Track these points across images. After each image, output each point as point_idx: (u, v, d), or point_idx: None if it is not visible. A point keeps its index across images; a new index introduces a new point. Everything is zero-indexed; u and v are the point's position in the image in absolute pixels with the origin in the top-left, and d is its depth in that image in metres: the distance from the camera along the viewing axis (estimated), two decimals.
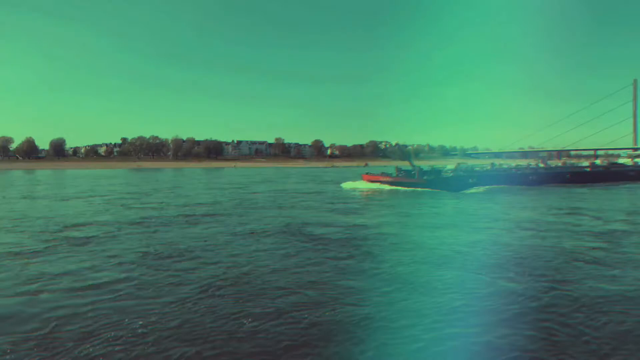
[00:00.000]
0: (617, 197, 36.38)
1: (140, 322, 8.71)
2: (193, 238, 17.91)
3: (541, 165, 63.28)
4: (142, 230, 19.97)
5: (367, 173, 54.58)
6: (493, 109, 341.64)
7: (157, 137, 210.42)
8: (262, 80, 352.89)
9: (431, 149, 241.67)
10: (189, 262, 13.71)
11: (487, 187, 46.74)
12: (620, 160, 74.80)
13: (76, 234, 19.15)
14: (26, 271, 12.78)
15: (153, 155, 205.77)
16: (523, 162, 75.00)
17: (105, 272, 12.56)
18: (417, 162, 63.62)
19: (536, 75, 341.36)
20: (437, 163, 77.82)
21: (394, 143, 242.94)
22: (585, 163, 70.56)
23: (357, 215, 24.76)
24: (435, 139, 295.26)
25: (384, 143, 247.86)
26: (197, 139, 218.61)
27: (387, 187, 47.33)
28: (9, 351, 7.47)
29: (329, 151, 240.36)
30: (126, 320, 8.82)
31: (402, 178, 47.85)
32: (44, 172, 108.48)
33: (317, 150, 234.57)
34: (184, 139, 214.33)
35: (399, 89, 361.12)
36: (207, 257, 14.35)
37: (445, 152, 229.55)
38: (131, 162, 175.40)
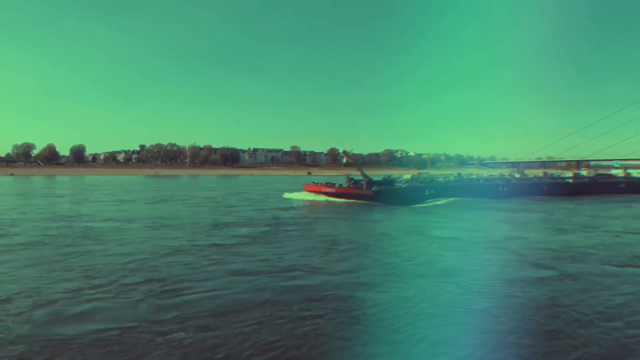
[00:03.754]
0: (579, 214, 33.37)
1: None
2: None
3: (517, 175, 59.14)
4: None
5: (313, 182, 48.66)
6: (511, 119, 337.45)
7: (174, 144, 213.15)
8: (280, 88, 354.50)
9: (448, 158, 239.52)
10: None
11: (447, 200, 42.54)
12: (613, 172, 69.67)
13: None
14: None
15: (170, 162, 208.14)
16: (496, 172, 70.11)
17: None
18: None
19: (556, 84, 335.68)
20: (404, 173, 71.79)
21: (410, 152, 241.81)
22: (569, 174, 65.93)
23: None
24: (453, 148, 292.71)
25: (399, 152, 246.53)
26: (214, 146, 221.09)
27: (327, 198, 42.80)
28: None
29: (344, 159, 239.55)
30: None
31: (347, 189, 43.47)
32: (86, 178, 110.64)
33: (333, 159, 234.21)
34: (201, 146, 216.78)
35: (417, 96, 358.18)
36: None
37: (462, 162, 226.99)
38: (149, 169, 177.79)
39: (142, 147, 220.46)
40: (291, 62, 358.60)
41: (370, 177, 43.96)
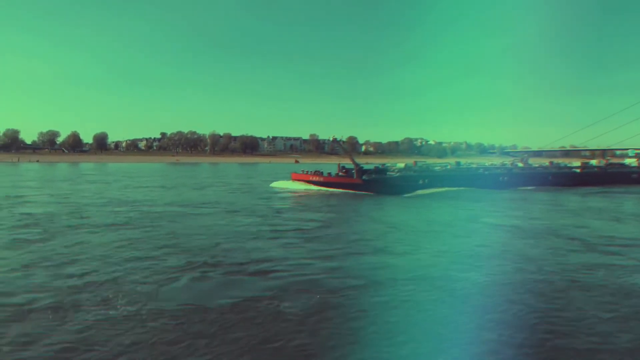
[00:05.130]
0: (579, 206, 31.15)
1: None
2: None
3: (520, 164, 55.97)
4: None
5: (302, 171, 45.86)
6: (534, 107, 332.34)
7: (195, 132, 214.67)
8: (299, 76, 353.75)
9: (469, 146, 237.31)
10: None
11: (443, 189, 40.97)
12: (627, 161, 66.09)
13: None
14: None
15: (191, 150, 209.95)
16: (497, 161, 66.01)
17: None
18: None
19: (579, 71, 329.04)
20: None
21: (431, 140, 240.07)
22: (577, 163, 62.58)
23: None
24: (473, 137, 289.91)
25: (419, 140, 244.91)
26: (233, 134, 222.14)
27: (315, 187, 41.28)
28: None
29: (363, 148, 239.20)
30: None
31: (335, 178, 41.81)
32: (109, 165, 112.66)
33: (352, 147, 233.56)
34: (221, 134, 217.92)
35: (437, 83, 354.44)
36: None
37: (483, 150, 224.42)
38: (170, 157, 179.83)
39: (163, 134, 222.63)
40: (310, 49, 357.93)
41: (361, 165, 42.38)
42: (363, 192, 38.66)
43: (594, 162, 63.96)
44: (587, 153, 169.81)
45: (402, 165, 47.06)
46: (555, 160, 69.90)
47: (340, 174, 42.44)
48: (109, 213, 24.32)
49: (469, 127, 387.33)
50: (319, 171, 43.44)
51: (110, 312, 9.35)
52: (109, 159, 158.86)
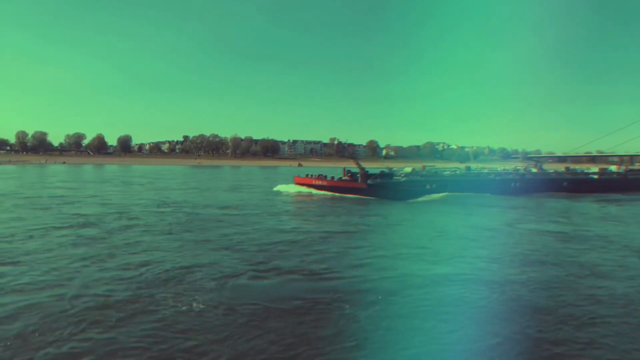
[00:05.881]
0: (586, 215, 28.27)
1: None
2: None
3: (534, 170, 53.68)
4: None
5: (307, 175, 44.60)
6: (558, 111, 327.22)
7: (216, 136, 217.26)
8: (319, 81, 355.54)
9: (491, 151, 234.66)
10: None
11: (452, 194, 39.34)
12: None
13: None
14: None
15: (213, 153, 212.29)
16: (509, 166, 61.58)
17: None
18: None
19: (606, 77, 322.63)
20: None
21: (452, 145, 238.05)
22: (594, 169, 57.77)
23: None
24: (496, 141, 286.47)
25: (441, 144, 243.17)
26: (254, 137, 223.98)
27: (318, 192, 40.29)
28: None
29: (384, 152, 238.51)
30: None
31: (339, 182, 40.81)
32: (133, 167, 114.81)
33: (372, 151, 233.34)
34: (243, 137, 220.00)
35: (457, 88, 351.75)
36: None
37: (506, 155, 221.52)
38: (192, 159, 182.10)
39: (186, 137, 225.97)
40: (330, 54, 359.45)
41: (367, 170, 41.26)
42: (367, 197, 37.49)
43: (613, 167, 60.55)
44: (616, 159, 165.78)
45: (409, 169, 45.80)
46: (572, 166, 66.28)
47: (344, 178, 41.78)
48: (156, 214, 24.74)
49: (492, 131, 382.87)
50: (322, 175, 42.60)
51: (184, 308, 9.65)
52: (132, 161, 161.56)
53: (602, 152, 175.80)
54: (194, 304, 9.87)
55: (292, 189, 42.79)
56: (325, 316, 9.40)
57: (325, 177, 41.80)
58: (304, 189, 41.68)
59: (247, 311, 9.55)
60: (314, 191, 40.59)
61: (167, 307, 9.62)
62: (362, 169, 40.35)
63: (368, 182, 39.38)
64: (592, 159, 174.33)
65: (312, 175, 43.67)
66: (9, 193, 36.60)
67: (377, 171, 43.16)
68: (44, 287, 10.82)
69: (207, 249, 15.59)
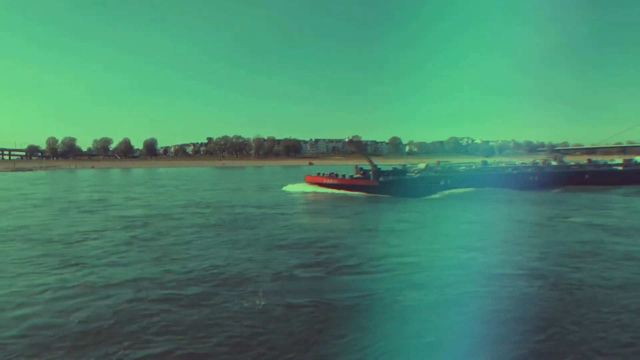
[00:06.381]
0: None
1: None
2: None
3: (554, 163, 52.03)
4: None
5: (318, 174, 43.88)
6: (586, 103, 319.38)
7: (240, 137, 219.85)
8: (340, 79, 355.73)
9: (517, 145, 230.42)
10: None
11: (468, 189, 38.13)
12: None
13: None
14: None
15: (236, 154, 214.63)
16: (528, 160, 58.73)
17: None
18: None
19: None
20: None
21: (477, 139, 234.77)
22: (619, 160, 55.47)
23: None
24: (521, 135, 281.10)
25: (465, 139, 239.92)
26: (277, 137, 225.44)
27: (329, 190, 39.37)
28: None
29: (407, 148, 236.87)
30: None
31: (350, 180, 39.87)
32: (159, 170, 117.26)
33: (395, 148, 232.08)
34: (265, 138, 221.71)
35: (479, 81, 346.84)
36: None
37: (532, 148, 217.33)
38: (216, 161, 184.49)
39: (210, 139, 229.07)
40: (351, 51, 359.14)
41: (379, 167, 40.35)
42: (379, 195, 36.68)
43: (638, 158, 57.01)
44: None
45: (422, 165, 44.85)
46: (595, 158, 65.92)
47: (356, 175, 41.04)
48: (197, 215, 25.23)
49: (518, 124, 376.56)
50: (333, 173, 41.69)
51: (247, 305, 9.85)
52: (158, 164, 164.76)
53: (632, 143, 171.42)
54: (258, 303, 10.04)
55: (302, 188, 42.03)
56: (386, 312, 9.52)
57: (337, 175, 41.06)
58: (315, 188, 40.89)
59: (306, 309, 9.67)
60: (324, 190, 39.98)
61: (235, 305, 9.82)
62: (374, 166, 39.49)
63: (380, 179, 38.53)
64: (623, 150, 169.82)
65: (323, 173, 42.98)
66: (52, 197, 37.86)
67: (398, 167, 42.34)
68: (115, 286, 11.23)
69: (258, 247, 15.87)
